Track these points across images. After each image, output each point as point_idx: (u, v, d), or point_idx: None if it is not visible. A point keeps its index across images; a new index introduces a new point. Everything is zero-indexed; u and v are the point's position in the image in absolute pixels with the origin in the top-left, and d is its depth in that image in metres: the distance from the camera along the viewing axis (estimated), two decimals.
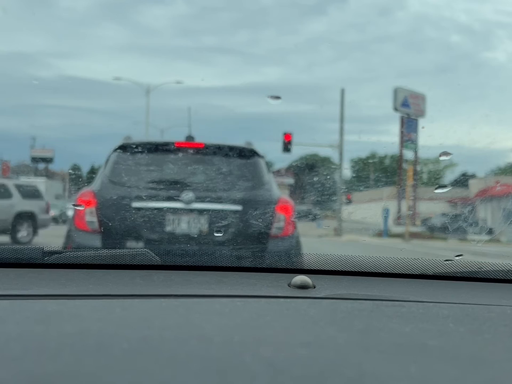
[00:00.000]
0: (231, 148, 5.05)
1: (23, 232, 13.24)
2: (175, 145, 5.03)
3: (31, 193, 14.33)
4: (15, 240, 12.86)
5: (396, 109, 29.42)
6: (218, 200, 4.69)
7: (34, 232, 13.46)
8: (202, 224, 4.63)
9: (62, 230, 5.64)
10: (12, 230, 13.00)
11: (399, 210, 23.19)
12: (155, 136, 22.57)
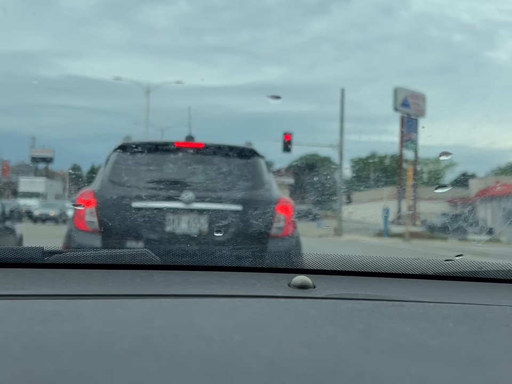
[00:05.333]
0: (231, 148, 5.05)
1: None
2: (175, 145, 5.03)
3: None
4: None
5: (396, 109, 29.44)
6: (218, 200, 4.69)
7: None
8: (202, 224, 4.63)
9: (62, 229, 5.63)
10: None
11: (399, 210, 23.19)
12: (155, 136, 22.55)
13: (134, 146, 4.96)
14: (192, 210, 4.62)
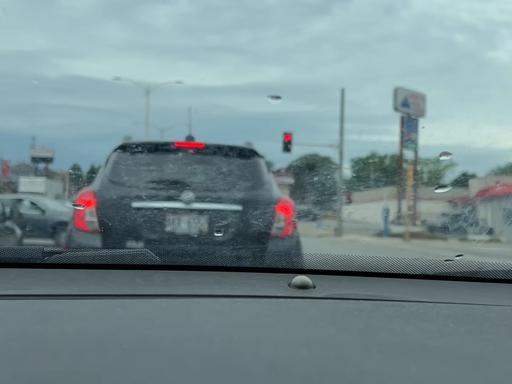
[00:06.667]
0: (231, 148, 5.05)
1: None
2: (175, 145, 5.03)
3: None
4: None
5: (396, 109, 29.43)
6: (218, 200, 4.69)
7: None
8: (202, 224, 4.63)
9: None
10: None
11: (399, 210, 23.18)
12: (155, 136, 22.54)
13: (134, 146, 4.96)
14: (192, 210, 4.62)
